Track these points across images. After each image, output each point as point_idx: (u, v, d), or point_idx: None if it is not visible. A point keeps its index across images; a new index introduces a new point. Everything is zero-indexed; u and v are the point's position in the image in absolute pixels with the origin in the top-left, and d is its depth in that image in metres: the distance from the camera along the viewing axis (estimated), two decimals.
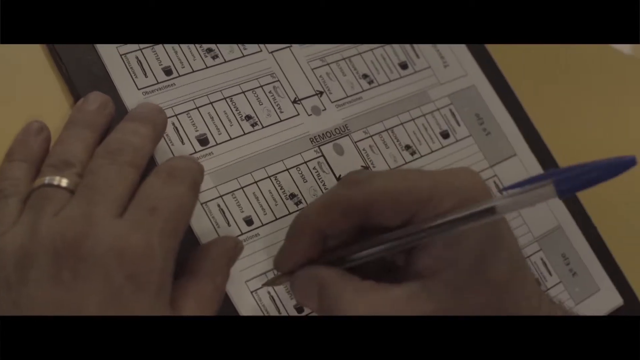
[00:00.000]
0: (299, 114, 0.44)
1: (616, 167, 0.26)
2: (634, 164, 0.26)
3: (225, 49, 0.43)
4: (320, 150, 0.43)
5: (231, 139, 0.41)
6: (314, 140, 0.43)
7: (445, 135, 0.48)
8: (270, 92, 0.43)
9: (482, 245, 0.32)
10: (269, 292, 0.38)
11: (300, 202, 0.41)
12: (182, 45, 0.41)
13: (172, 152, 0.39)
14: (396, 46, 0.49)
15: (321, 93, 0.45)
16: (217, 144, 0.40)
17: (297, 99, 0.44)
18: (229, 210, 0.39)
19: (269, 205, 0.40)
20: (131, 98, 0.39)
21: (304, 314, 0.38)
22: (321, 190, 0.42)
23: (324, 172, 0.43)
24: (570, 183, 0.27)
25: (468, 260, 0.32)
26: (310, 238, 0.34)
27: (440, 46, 0.51)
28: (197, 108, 0.41)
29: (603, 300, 0.48)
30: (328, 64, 0.46)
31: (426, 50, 0.50)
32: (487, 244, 0.32)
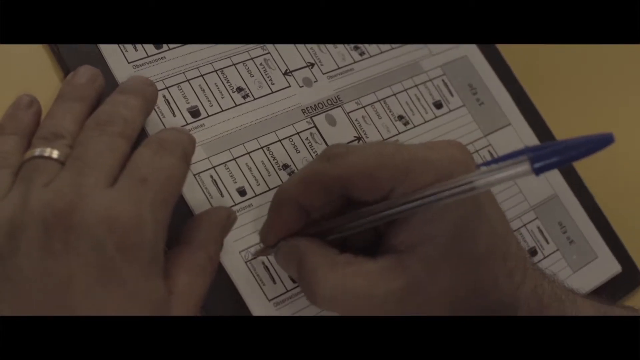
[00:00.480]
0: (290, 86, 0.44)
1: (593, 144, 0.25)
2: (612, 142, 0.25)
3: None
4: (313, 121, 0.43)
5: (222, 110, 0.41)
6: (306, 111, 0.43)
7: (438, 105, 0.48)
8: (261, 64, 0.43)
9: (460, 220, 0.32)
10: (263, 262, 0.38)
11: (293, 172, 0.41)
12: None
13: (163, 124, 0.39)
14: None
15: (312, 65, 0.45)
16: (208, 116, 0.40)
17: (288, 71, 0.44)
18: (222, 181, 0.39)
19: (261, 176, 0.40)
20: (121, 71, 0.39)
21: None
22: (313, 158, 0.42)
23: (316, 142, 0.43)
24: (545, 160, 0.26)
25: (445, 236, 0.32)
26: (290, 211, 0.34)
27: None
28: (188, 80, 0.41)
29: (601, 268, 0.48)
30: None
31: None
32: (466, 218, 0.32)
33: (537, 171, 0.27)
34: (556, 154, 0.26)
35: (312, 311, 0.38)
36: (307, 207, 0.34)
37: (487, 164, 0.29)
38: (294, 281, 0.38)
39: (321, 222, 0.35)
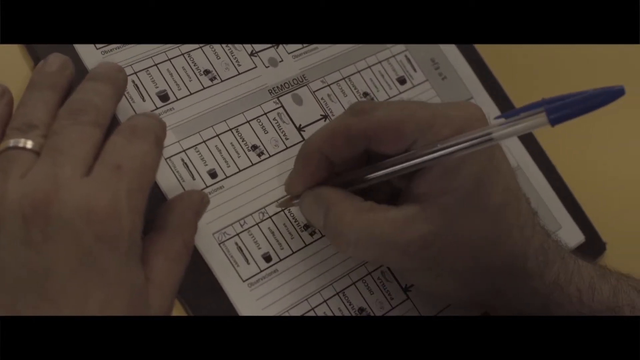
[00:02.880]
0: (256, 67, 0.44)
1: (605, 96, 0.28)
2: (623, 94, 0.27)
3: None
4: (280, 101, 0.44)
5: (191, 93, 0.42)
6: (273, 91, 0.44)
7: (402, 81, 0.50)
8: (227, 45, 0.44)
9: (478, 173, 0.34)
10: (236, 243, 0.39)
11: (262, 153, 0.42)
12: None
13: (133, 110, 0.40)
14: None
15: (277, 45, 0.46)
16: (177, 100, 0.41)
17: (254, 52, 0.45)
18: (193, 164, 0.40)
19: (231, 158, 0.41)
20: (90, 58, 0.39)
21: (272, 262, 0.40)
22: (282, 140, 0.43)
23: (284, 122, 0.44)
24: (560, 111, 0.28)
25: (464, 187, 0.34)
26: (316, 163, 0.37)
27: None
28: (156, 65, 0.41)
29: (565, 238, 0.48)
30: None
31: None
32: (484, 172, 0.35)
33: (553, 122, 0.29)
34: (571, 106, 0.28)
35: (285, 291, 0.39)
36: (332, 158, 0.36)
37: (504, 116, 0.32)
38: (266, 260, 0.40)
39: (344, 173, 0.38)
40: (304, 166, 0.38)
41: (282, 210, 0.41)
